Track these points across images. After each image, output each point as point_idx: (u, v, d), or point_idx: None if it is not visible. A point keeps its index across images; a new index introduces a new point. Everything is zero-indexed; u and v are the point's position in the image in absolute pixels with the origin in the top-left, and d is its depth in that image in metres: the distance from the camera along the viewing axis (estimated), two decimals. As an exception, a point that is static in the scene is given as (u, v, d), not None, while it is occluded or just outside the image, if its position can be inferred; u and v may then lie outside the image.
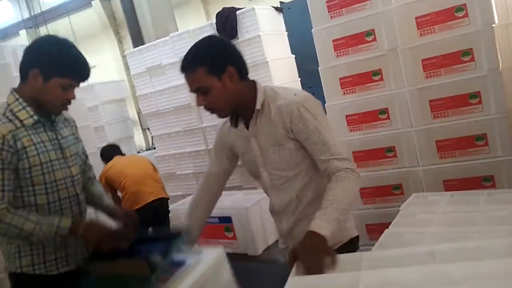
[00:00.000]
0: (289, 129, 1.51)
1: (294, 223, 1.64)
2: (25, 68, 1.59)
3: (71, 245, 1.65)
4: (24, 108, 1.58)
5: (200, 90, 1.51)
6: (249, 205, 2.64)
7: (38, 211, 1.58)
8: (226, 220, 2.68)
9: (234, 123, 1.65)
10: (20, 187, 1.55)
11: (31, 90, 1.58)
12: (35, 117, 1.59)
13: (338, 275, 1.13)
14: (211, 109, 1.55)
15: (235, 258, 1.66)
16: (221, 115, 1.60)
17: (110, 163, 3.83)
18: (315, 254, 1.20)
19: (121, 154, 4.08)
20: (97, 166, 3.32)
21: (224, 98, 1.51)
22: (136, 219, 1.78)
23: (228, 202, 2.80)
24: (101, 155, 3.98)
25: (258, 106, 1.55)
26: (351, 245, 1.64)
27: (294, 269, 1.19)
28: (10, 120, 1.55)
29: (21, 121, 1.56)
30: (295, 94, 1.53)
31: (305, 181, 1.58)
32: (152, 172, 3.90)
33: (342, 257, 1.20)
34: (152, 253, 1.42)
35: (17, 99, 1.59)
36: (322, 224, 1.30)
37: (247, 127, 1.61)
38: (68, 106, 1.66)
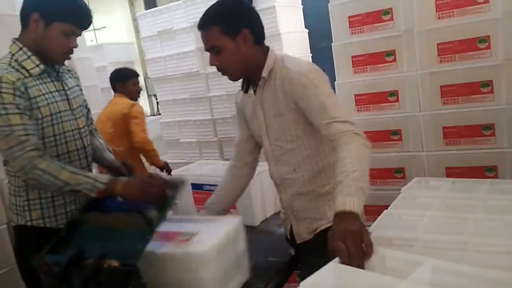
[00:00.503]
0: (290, 98, 1.51)
1: (294, 196, 1.66)
2: (25, 13, 1.55)
3: (80, 199, 1.64)
4: (29, 57, 1.56)
5: (213, 49, 1.51)
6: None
7: None
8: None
9: (245, 89, 1.66)
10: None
11: (33, 37, 1.55)
12: (42, 67, 1.57)
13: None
14: (222, 70, 1.55)
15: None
16: (232, 77, 1.59)
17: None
18: (351, 241, 1.06)
19: None
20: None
21: (236, 60, 1.51)
22: (132, 169, 1.78)
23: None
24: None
25: (264, 74, 1.55)
26: None
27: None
28: (17, 70, 1.52)
29: (27, 70, 1.54)
30: (298, 63, 1.53)
31: (303, 156, 1.59)
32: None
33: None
34: (149, 207, 1.42)
35: (21, 48, 1.56)
36: (346, 200, 1.17)
37: (255, 93, 1.61)
38: (70, 56, 1.63)
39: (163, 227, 1.44)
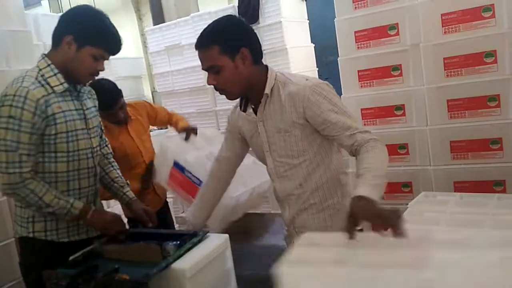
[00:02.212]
0: (301, 114, 1.50)
1: (297, 212, 1.65)
2: (59, 34, 1.61)
3: None
4: (55, 74, 1.61)
5: (212, 69, 1.50)
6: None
7: (57, 178, 1.62)
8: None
9: (244, 107, 1.65)
10: (43, 152, 1.58)
11: (63, 57, 1.61)
12: (65, 85, 1.62)
13: None
14: (221, 89, 1.54)
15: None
16: (230, 97, 1.58)
17: None
18: (375, 214, 1.10)
19: None
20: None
21: (235, 79, 1.50)
22: (154, 217, 1.83)
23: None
24: None
25: (267, 91, 1.54)
26: None
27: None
28: (42, 85, 1.57)
29: (52, 87, 1.59)
30: (307, 80, 1.52)
31: (309, 171, 1.58)
32: None
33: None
34: (168, 243, 1.46)
35: (48, 65, 1.61)
36: (365, 189, 1.21)
37: (256, 112, 1.60)
38: (95, 77, 1.70)
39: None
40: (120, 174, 1.94)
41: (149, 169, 2.58)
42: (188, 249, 1.46)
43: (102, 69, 1.67)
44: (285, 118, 1.53)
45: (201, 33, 1.52)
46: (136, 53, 10.06)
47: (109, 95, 2.38)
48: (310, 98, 1.47)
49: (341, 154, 1.66)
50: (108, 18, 1.65)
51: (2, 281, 2.32)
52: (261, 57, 1.58)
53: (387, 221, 1.07)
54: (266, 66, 1.59)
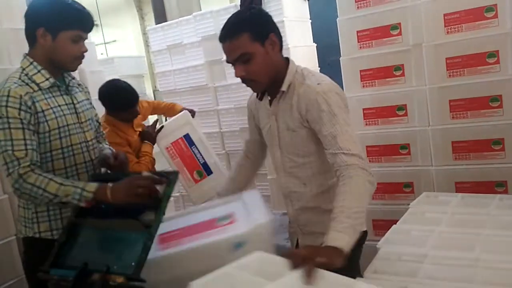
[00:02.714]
0: (304, 116, 1.50)
1: (301, 209, 1.65)
2: (30, 31, 1.59)
3: None
4: (39, 71, 1.59)
5: (242, 58, 1.47)
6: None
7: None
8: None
9: (260, 96, 1.66)
10: (40, 153, 1.56)
11: (43, 51, 1.59)
12: (51, 80, 1.61)
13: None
14: (249, 80, 1.52)
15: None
16: (258, 87, 1.57)
17: None
18: (317, 254, 1.07)
19: None
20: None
21: (266, 66, 1.49)
22: (123, 158, 1.76)
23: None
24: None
25: (283, 88, 1.54)
26: (358, 239, 1.64)
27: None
28: (27, 84, 1.56)
29: (37, 84, 1.58)
30: (319, 84, 1.49)
31: (314, 171, 1.58)
32: None
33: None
34: (144, 212, 1.41)
35: (31, 63, 1.60)
36: (335, 236, 1.17)
37: (270, 104, 1.61)
38: (82, 61, 1.66)
39: (190, 221, 1.49)
40: (105, 145, 1.91)
41: (154, 125, 2.81)
42: (165, 206, 1.41)
43: (85, 50, 1.64)
44: (293, 117, 1.53)
45: (225, 25, 1.50)
46: (138, 52, 10.06)
47: (132, 93, 2.61)
48: (314, 104, 1.46)
49: None
50: (70, 1, 1.61)
51: (4, 278, 2.32)
52: (282, 47, 1.57)
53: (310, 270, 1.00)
54: (288, 59, 1.59)
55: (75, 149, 1.65)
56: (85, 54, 1.66)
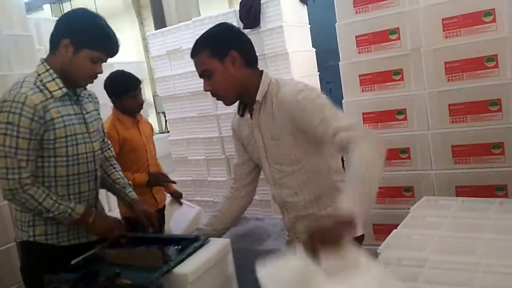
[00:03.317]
0: (288, 121, 1.49)
1: (296, 218, 1.65)
2: (56, 38, 1.61)
3: None
4: (54, 79, 1.61)
5: (204, 74, 1.53)
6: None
7: (57, 182, 1.62)
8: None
9: (242, 112, 1.66)
10: (42, 156, 1.58)
11: (61, 61, 1.61)
12: (64, 90, 1.62)
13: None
14: (216, 95, 1.56)
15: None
16: (226, 102, 1.59)
17: None
18: (325, 238, 1.10)
19: None
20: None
21: (227, 83, 1.52)
22: (155, 220, 1.83)
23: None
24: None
25: (258, 98, 1.54)
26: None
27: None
28: (41, 90, 1.57)
29: (50, 92, 1.59)
30: (296, 86, 1.50)
31: (304, 179, 1.57)
32: None
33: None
34: (169, 247, 1.46)
35: (47, 70, 1.61)
36: (344, 205, 1.16)
37: (252, 117, 1.60)
38: (94, 80, 1.68)
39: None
40: (122, 176, 1.94)
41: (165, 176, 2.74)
42: (190, 254, 1.45)
43: (101, 72, 1.66)
44: (276, 126, 1.53)
45: (194, 43, 1.56)
46: (138, 57, 10.09)
47: (132, 76, 2.69)
48: (294, 103, 1.47)
49: (338, 161, 1.64)
50: (104, 20, 1.64)
51: (4, 285, 2.32)
52: (255, 61, 1.58)
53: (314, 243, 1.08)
54: (262, 72, 1.58)
55: (81, 158, 1.66)
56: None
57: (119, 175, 1.92)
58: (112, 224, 1.69)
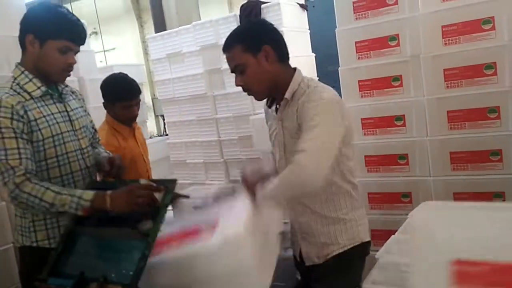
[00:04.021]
0: (300, 124, 1.53)
1: (305, 219, 1.65)
2: (21, 37, 1.59)
3: None
4: (31, 80, 1.59)
5: (237, 69, 1.54)
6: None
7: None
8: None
9: (269, 103, 1.69)
10: (34, 162, 1.55)
11: (31, 59, 1.58)
12: (43, 88, 1.60)
13: None
14: (247, 90, 1.58)
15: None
16: (257, 97, 1.62)
17: None
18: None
19: None
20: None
21: (260, 77, 1.53)
22: (118, 162, 1.74)
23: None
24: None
25: (287, 96, 1.56)
26: (362, 249, 1.64)
27: None
28: (18, 93, 1.55)
29: (29, 93, 1.57)
30: (321, 97, 1.49)
31: None
32: None
33: None
34: (142, 220, 1.40)
35: (22, 72, 1.59)
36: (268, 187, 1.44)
37: (277, 111, 1.64)
38: (70, 73, 1.65)
39: (181, 227, 1.45)
40: (101, 149, 1.90)
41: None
42: (164, 215, 1.41)
43: (73, 62, 1.62)
44: (294, 126, 1.55)
45: (227, 36, 1.57)
46: (137, 60, 10.09)
47: (134, 84, 2.48)
48: (303, 109, 1.49)
49: (352, 167, 1.65)
50: (65, 8, 1.61)
51: (1, 286, 2.31)
52: (287, 57, 1.60)
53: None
54: (294, 69, 1.61)
55: (70, 156, 1.65)
56: (74, 65, 1.64)
57: (98, 149, 1.88)
58: (130, 195, 1.45)
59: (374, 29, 2.51)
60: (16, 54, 2.69)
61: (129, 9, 11.17)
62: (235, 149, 3.83)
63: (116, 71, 4.97)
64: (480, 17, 2.25)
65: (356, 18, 2.57)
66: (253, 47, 1.52)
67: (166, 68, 4.16)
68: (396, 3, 2.44)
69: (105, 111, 2.53)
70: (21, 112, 1.51)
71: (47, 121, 1.58)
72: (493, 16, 2.22)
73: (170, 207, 1.57)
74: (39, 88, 1.59)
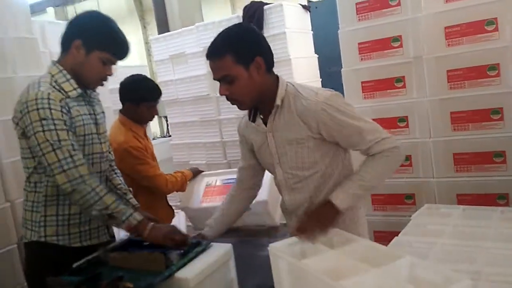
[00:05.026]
0: (315, 130, 1.48)
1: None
2: (68, 39, 1.62)
3: (94, 220, 1.68)
4: (68, 80, 1.62)
5: (225, 79, 1.45)
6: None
7: None
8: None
9: (253, 118, 1.62)
10: None
11: (72, 62, 1.62)
12: (79, 90, 1.64)
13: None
14: (233, 99, 1.50)
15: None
16: (242, 107, 1.55)
17: None
18: (315, 221, 1.33)
19: None
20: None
21: (249, 89, 1.46)
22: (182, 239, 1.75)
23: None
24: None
25: (277, 102, 1.51)
26: None
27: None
28: (58, 90, 1.59)
29: (66, 92, 1.60)
30: (317, 93, 1.49)
31: (320, 182, 1.56)
32: None
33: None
34: (172, 252, 1.46)
35: (60, 71, 1.63)
36: (340, 195, 1.41)
37: (265, 123, 1.57)
38: (104, 83, 1.69)
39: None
40: (123, 182, 1.94)
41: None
42: (192, 258, 1.45)
43: (111, 74, 1.67)
44: (298, 131, 1.50)
45: (213, 42, 1.47)
46: (140, 61, 10.12)
47: (157, 86, 2.59)
48: (323, 113, 1.45)
49: (350, 163, 1.65)
50: (115, 23, 1.66)
51: (5, 287, 2.32)
52: (273, 66, 1.54)
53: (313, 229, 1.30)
54: (277, 76, 1.56)
55: (94, 158, 1.68)
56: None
57: (120, 180, 1.92)
58: (170, 231, 1.57)
59: (376, 30, 2.51)
60: (21, 56, 2.71)
61: (132, 11, 11.20)
62: (238, 150, 3.80)
63: (119, 72, 4.99)
64: (483, 18, 2.25)
65: (359, 19, 2.57)
66: (245, 58, 1.42)
67: (169, 69, 4.17)
68: (399, 4, 2.45)
69: (109, 112, 2.57)
70: (66, 108, 1.56)
71: (82, 120, 1.62)
72: (496, 17, 2.22)
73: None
74: (75, 89, 1.63)
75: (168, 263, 1.41)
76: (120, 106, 2.51)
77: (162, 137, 8.09)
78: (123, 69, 5.31)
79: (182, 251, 1.49)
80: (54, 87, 1.58)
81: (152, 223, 1.58)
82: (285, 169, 1.58)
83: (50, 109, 1.51)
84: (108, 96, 3.76)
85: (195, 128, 4.12)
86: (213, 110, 3.95)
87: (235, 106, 1.55)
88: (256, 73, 1.46)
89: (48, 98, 1.51)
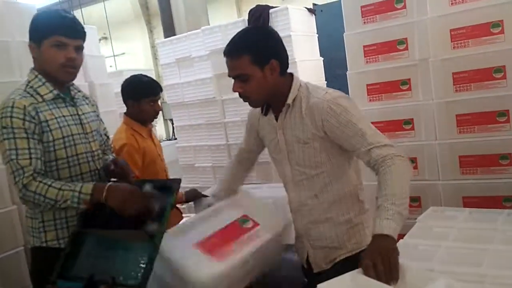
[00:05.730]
0: (320, 127, 1.51)
1: (312, 223, 1.64)
2: (29, 47, 1.67)
3: None
4: (44, 84, 1.65)
5: (239, 77, 1.53)
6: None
7: None
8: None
9: (265, 112, 1.68)
10: (44, 162, 1.60)
11: (38, 64, 1.67)
12: (55, 92, 1.66)
13: None
14: (245, 97, 1.58)
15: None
16: (253, 105, 1.63)
17: None
18: (386, 257, 1.14)
19: None
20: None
21: (261, 89, 1.53)
22: (123, 164, 1.77)
23: (265, 192, 2.55)
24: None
25: (289, 101, 1.56)
26: None
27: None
28: (31, 95, 1.62)
29: (41, 96, 1.63)
30: (326, 92, 1.53)
31: (326, 182, 1.58)
32: None
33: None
34: (147, 222, 1.44)
35: (36, 76, 1.67)
36: (384, 224, 1.24)
37: (276, 119, 1.63)
38: (73, 70, 1.67)
39: (212, 226, 1.56)
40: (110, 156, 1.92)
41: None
42: (168, 216, 1.45)
43: (72, 56, 1.63)
44: (304, 130, 1.54)
45: (232, 41, 1.54)
46: (147, 64, 10.18)
47: (156, 81, 2.60)
48: (329, 111, 1.48)
49: (359, 168, 1.66)
50: (56, 10, 1.69)
51: (11, 289, 2.34)
52: (288, 68, 1.60)
53: (384, 265, 1.12)
54: (292, 75, 1.61)
55: (81, 158, 1.69)
56: (78, 63, 1.68)
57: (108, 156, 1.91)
58: (128, 197, 1.49)
59: (382, 33, 2.51)
60: (28, 60, 2.73)
61: (138, 15, 11.27)
62: (243, 153, 3.83)
63: (126, 76, 5.02)
64: (489, 21, 2.24)
65: (364, 22, 2.57)
66: (261, 60, 1.50)
67: (175, 73, 4.19)
68: (404, 7, 2.45)
69: (115, 115, 2.59)
70: (33, 113, 1.57)
71: (58, 122, 1.64)
72: (502, 20, 2.21)
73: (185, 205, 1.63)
74: (51, 91, 1.66)
75: (148, 233, 1.40)
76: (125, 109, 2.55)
77: (167, 140, 8.14)
78: (130, 72, 5.37)
79: (158, 214, 1.47)
80: (28, 92, 1.61)
81: (107, 184, 1.51)
82: (293, 165, 1.62)
83: (11, 117, 1.53)
84: (114, 99, 3.78)
85: (201, 131, 4.14)
86: (219, 113, 3.96)
87: (240, 109, 1.62)
88: (270, 74, 1.52)
89: (12, 107, 1.55)
